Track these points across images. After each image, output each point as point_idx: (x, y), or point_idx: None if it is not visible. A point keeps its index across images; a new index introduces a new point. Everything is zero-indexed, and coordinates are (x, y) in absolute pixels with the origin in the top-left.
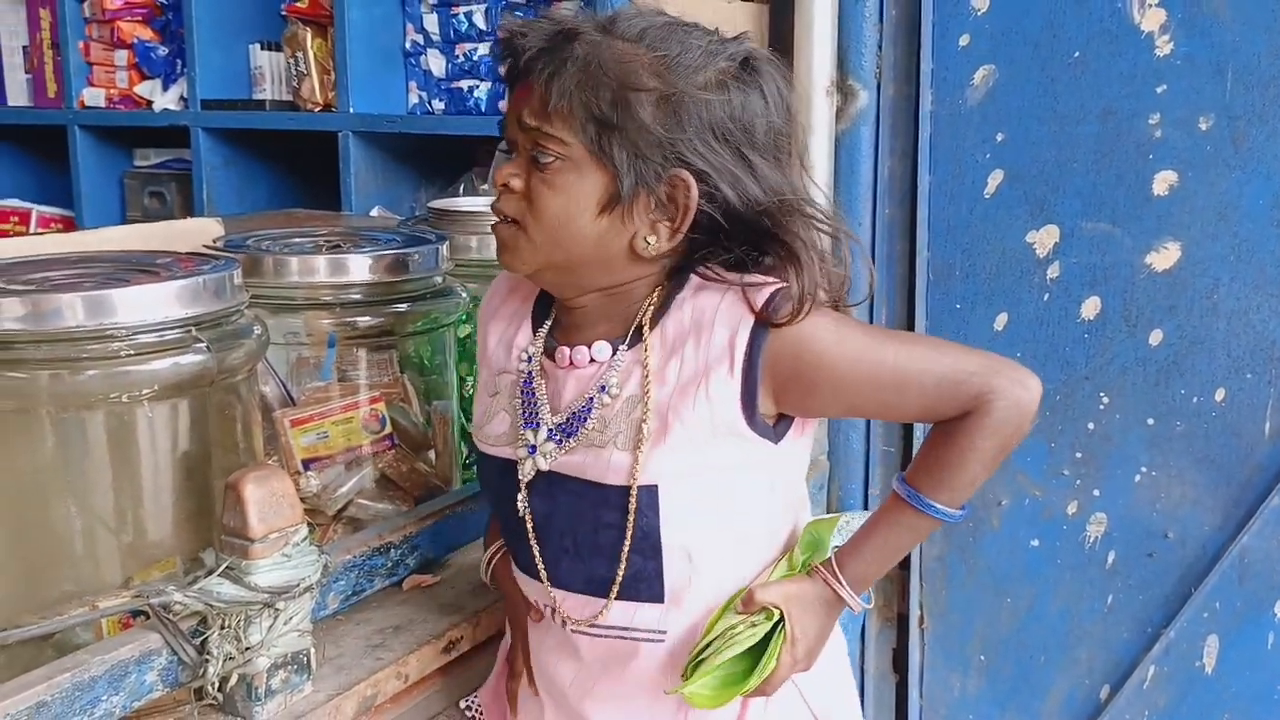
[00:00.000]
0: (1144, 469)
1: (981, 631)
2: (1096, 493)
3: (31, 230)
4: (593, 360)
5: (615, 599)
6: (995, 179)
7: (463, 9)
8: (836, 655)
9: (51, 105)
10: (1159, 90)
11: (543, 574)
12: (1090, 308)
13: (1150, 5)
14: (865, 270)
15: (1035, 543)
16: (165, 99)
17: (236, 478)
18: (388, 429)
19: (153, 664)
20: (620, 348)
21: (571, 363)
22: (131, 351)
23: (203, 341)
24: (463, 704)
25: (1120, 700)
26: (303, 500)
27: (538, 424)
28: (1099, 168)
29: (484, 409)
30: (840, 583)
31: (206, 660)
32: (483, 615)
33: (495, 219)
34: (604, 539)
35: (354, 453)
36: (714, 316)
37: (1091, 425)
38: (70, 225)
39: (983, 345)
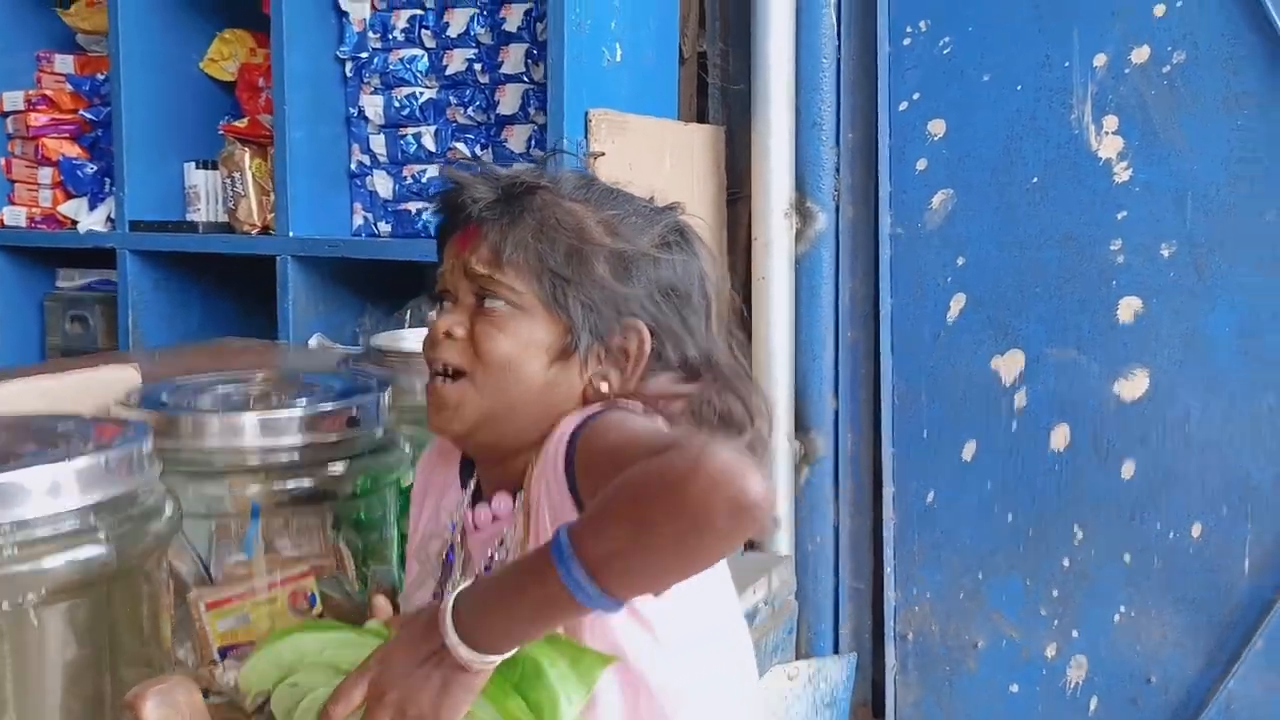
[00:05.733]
0: (1123, 608)
1: None
2: (1075, 634)
3: None
4: (495, 517)
5: None
6: (958, 303)
7: (411, 130)
8: None
9: None
10: (1119, 216)
11: None
12: (1060, 437)
13: (1108, 133)
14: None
15: (1015, 688)
16: (91, 219)
17: (134, 696)
18: (317, 609)
19: None
20: (519, 495)
21: (476, 525)
22: (15, 549)
23: (102, 531)
24: None
25: None
26: (218, 694)
27: (444, 594)
28: (1062, 293)
29: (414, 576)
30: (447, 608)
31: None
32: None
33: (431, 378)
34: None
35: None
36: (559, 434)
37: (1067, 561)
38: None
39: (952, 475)
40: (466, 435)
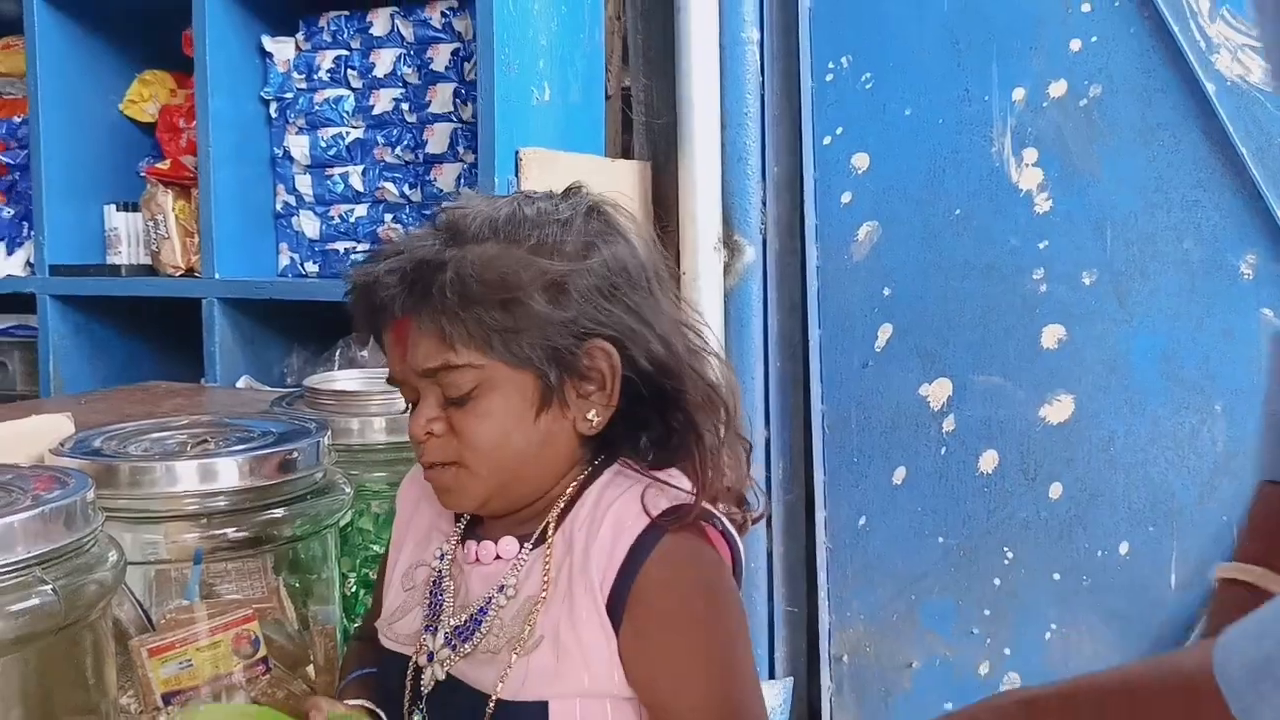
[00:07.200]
0: (1053, 625)
1: None
2: (1007, 651)
3: None
4: (498, 557)
5: None
6: (885, 332)
7: (338, 170)
8: None
9: None
10: (1041, 246)
11: None
12: (988, 461)
13: (1028, 165)
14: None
15: (949, 706)
16: (9, 264)
17: None
18: (261, 651)
19: None
20: (527, 545)
21: (477, 559)
22: None
23: (48, 584)
24: None
25: None
26: None
27: (437, 628)
28: (987, 322)
29: (398, 603)
30: None
31: None
32: None
33: (428, 465)
34: None
35: (223, 681)
36: (605, 513)
37: (997, 581)
38: None
39: (883, 499)
40: (480, 509)
